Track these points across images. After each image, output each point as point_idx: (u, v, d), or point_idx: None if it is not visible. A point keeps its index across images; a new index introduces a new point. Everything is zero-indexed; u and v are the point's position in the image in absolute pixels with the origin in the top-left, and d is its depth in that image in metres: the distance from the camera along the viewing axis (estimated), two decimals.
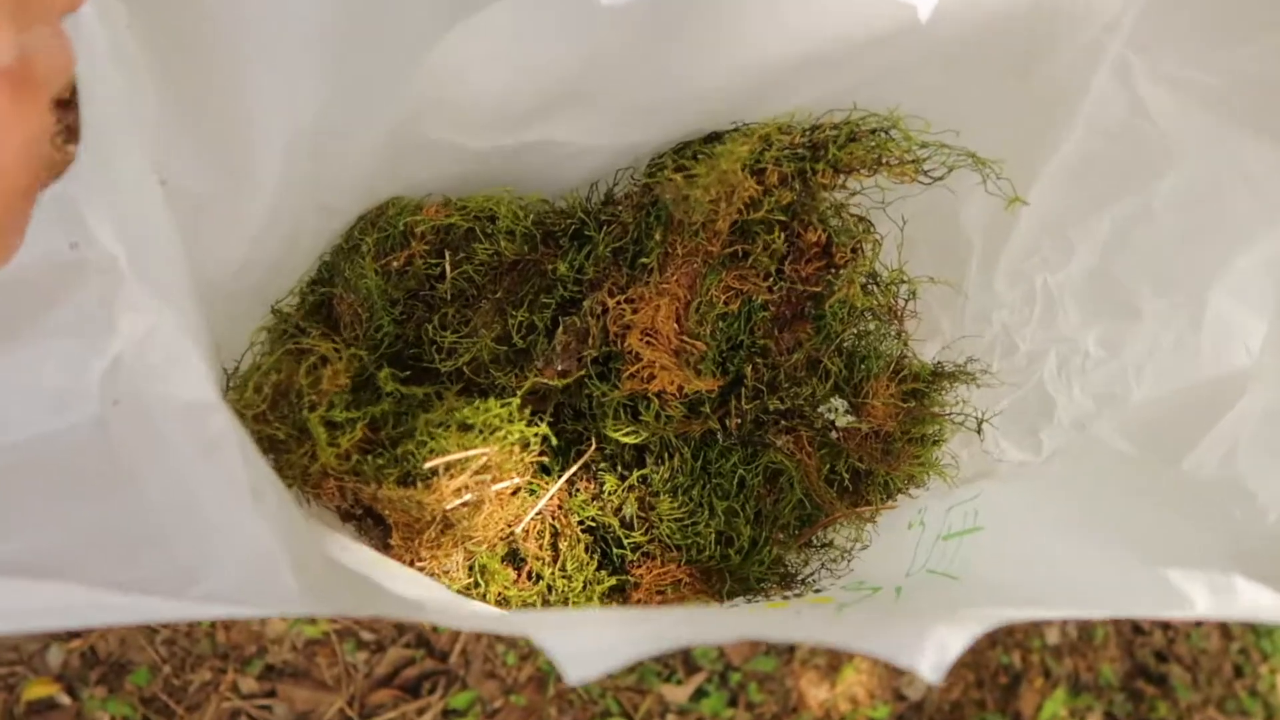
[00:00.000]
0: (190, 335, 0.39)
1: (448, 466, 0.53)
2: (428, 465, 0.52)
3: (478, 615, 0.44)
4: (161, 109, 0.44)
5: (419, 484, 0.53)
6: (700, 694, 1.30)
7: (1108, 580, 0.41)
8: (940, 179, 0.56)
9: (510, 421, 0.55)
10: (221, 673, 1.21)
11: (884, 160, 0.56)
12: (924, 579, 0.54)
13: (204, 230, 0.50)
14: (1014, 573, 0.47)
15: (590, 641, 0.31)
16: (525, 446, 0.55)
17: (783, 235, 0.59)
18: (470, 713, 1.22)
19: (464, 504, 0.54)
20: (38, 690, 1.13)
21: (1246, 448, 0.42)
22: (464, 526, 0.56)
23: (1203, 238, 0.55)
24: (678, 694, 1.29)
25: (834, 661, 1.34)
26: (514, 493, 0.59)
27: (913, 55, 0.51)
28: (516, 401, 0.55)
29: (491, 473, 0.54)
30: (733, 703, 1.31)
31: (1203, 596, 0.36)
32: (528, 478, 0.57)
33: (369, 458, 0.56)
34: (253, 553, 0.35)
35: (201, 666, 1.20)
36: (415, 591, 0.47)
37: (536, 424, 0.59)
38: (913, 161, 0.56)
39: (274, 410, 0.55)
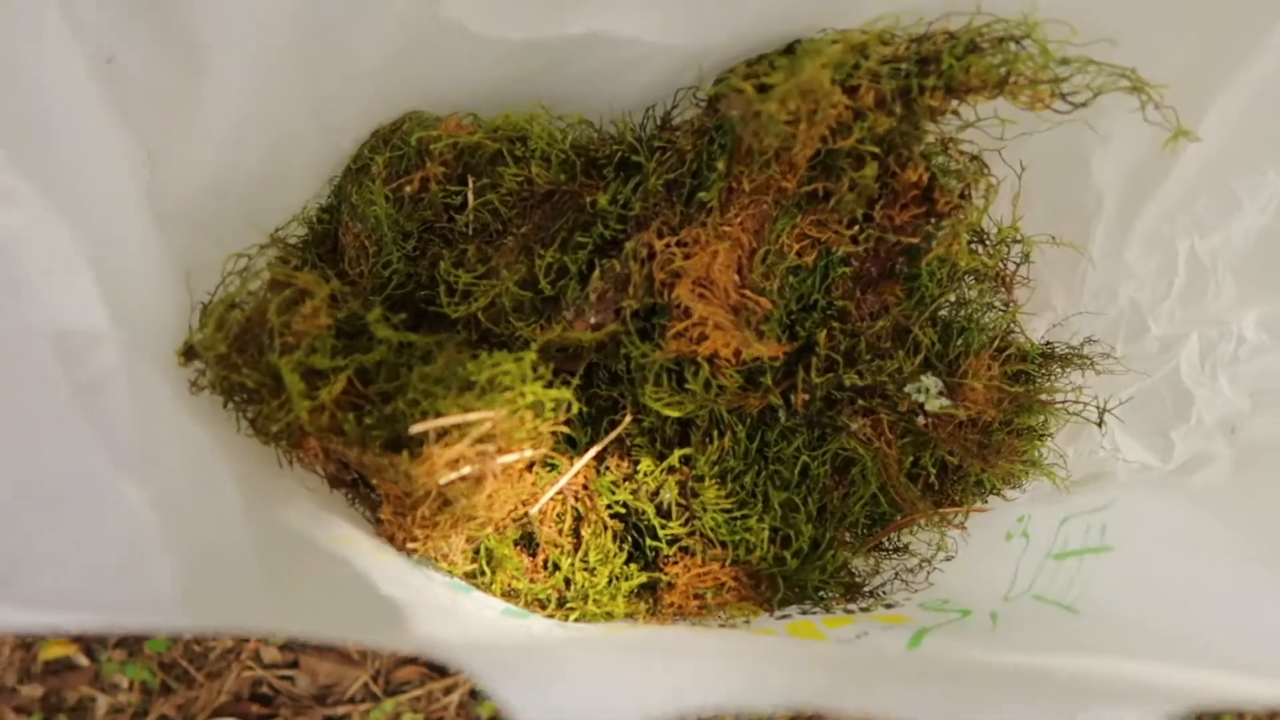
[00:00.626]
0: (83, 248, 0.30)
1: (441, 433, 0.43)
2: (414, 429, 0.42)
3: (465, 644, 0.34)
4: None
5: (406, 452, 0.43)
6: None
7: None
8: (1081, 106, 0.44)
9: (523, 381, 0.44)
10: (244, 641, 1.15)
11: (1011, 79, 0.44)
12: (1029, 607, 0.43)
13: (163, 126, 0.41)
14: (1160, 613, 0.36)
15: (571, 706, 0.21)
16: (541, 412, 0.45)
17: (876, 171, 0.48)
18: None
19: (461, 478, 0.44)
20: (55, 650, 1.09)
21: None
22: (464, 504, 0.46)
23: None
24: None
25: None
26: (528, 467, 0.50)
27: None
28: (531, 356, 0.45)
29: (497, 442, 0.44)
30: None
31: None
32: (544, 450, 0.47)
33: (354, 416, 0.46)
34: (113, 537, 0.26)
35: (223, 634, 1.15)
36: (399, 593, 0.38)
37: (559, 386, 0.49)
38: (1049, 82, 0.44)
39: (241, 353, 0.46)
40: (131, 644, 1.14)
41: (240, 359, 0.46)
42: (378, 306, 0.47)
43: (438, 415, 0.43)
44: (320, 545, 0.38)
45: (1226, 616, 0.32)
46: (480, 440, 0.44)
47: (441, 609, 0.38)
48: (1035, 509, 0.52)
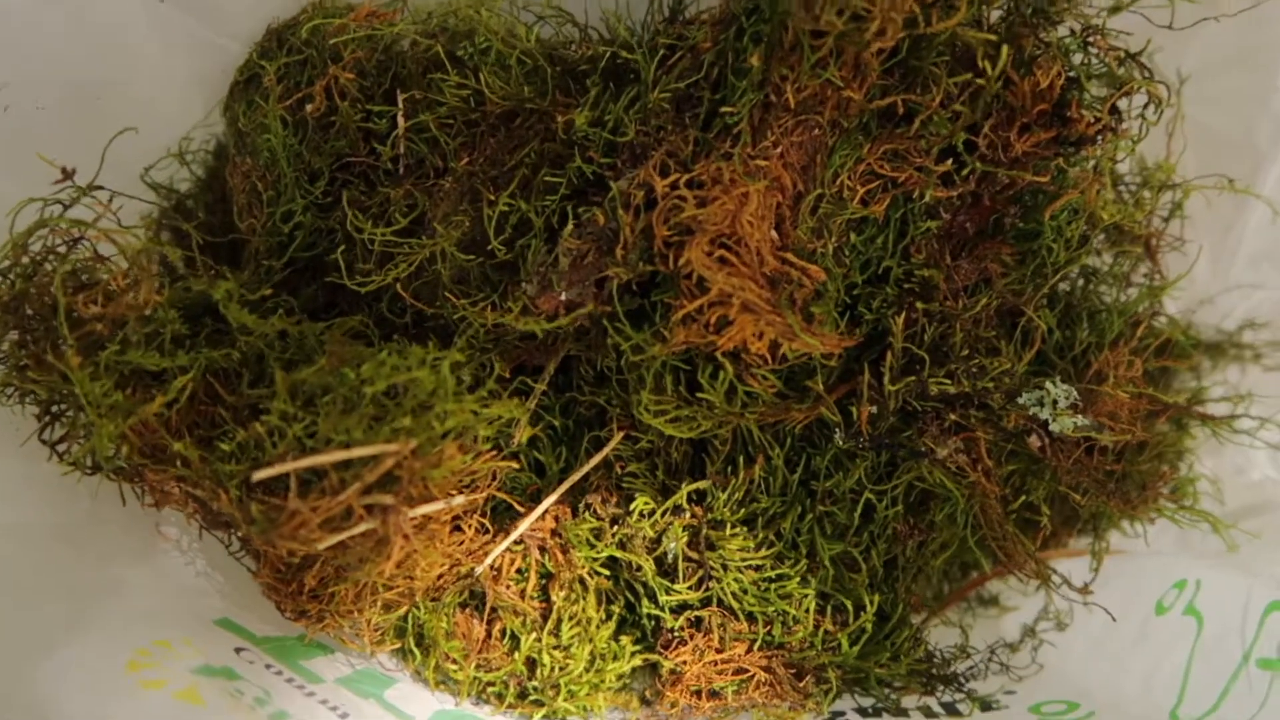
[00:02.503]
0: None
1: (311, 475, 0.27)
2: (259, 475, 0.27)
3: None
4: None
5: (256, 506, 0.28)
6: None
7: None
8: None
9: (448, 392, 0.29)
10: None
11: None
12: None
13: None
14: None
15: None
16: (473, 441, 0.29)
17: (971, 78, 0.32)
18: None
19: (351, 539, 0.29)
20: None
21: None
22: (365, 571, 0.31)
23: None
24: None
25: None
26: (469, 514, 0.34)
27: None
28: (455, 355, 0.29)
29: (404, 488, 0.28)
30: None
31: None
32: (483, 494, 0.32)
33: (196, 442, 0.31)
34: None
35: None
36: None
37: (507, 399, 0.33)
38: None
39: (31, 344, 0.30)
40: None
41: (30, 354, 0.31)
42: (230, 281, 0.31)
43: (307, 450, 0.28)
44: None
45: None
46: (377, 485, 0.28)
47: None
48: (1203, 571, 0.36)
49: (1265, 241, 0.46)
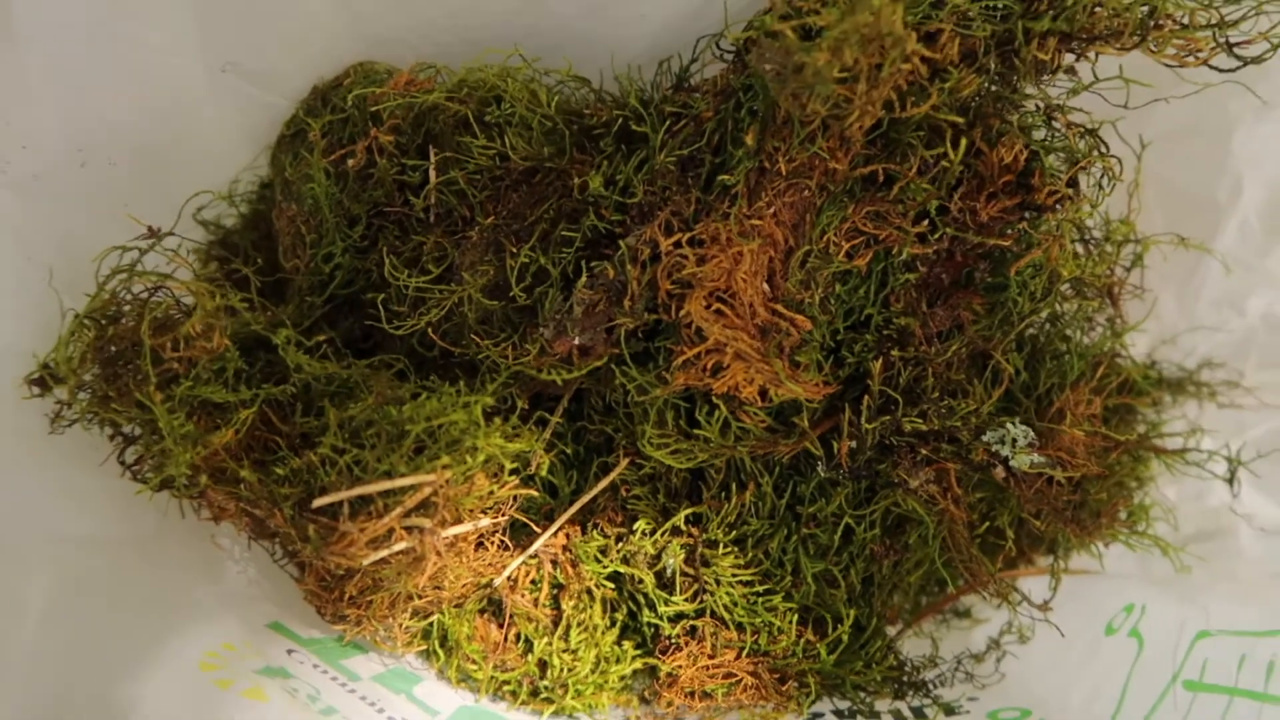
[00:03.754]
0: None
1: (361, 502, 0.32)
2: (318, 503, 0.31)
3: None
4: None
5: (313, 529, 0.32)
6: None
7: None
8: (1252, 63, 0.32)
9: (475, 432, 0.33)
10: None
11: (1157, 23, 0.31)
12: None
13: None
14: None
15: None
16: (500, 472, 0.34)
17: (958, 148, 0.36)
18: None
19: (392, 556, 0.33)
20: None
21: None
22: (402, 583, 0.35)
23: None
24: None
25: None
26: (492, 533, 0.38)
27: None
28: (486, 400, 0.33)
29: (439, 512, 0.33)
30: None
31: None
32: (505, 517, 0.36)
33: (255, 465, 0.35)
34: None
35: None
36: None
37: (529, 431, 0.38)
38: (1211, 26, 0.31)
39: (112, 380, 0.35)
40: None
41: (113, 389, 0.35)
42: (287, 325, 0.36)
43: (358, 480, 0.32)
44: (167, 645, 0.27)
45: None
46: (417, 510, 0.33)
47: None
48: (1150, 596, 0.40)
49: (1225, 287, 0.50)
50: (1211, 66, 0.33)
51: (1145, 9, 0.31)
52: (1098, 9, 0.31)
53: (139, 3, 0.33)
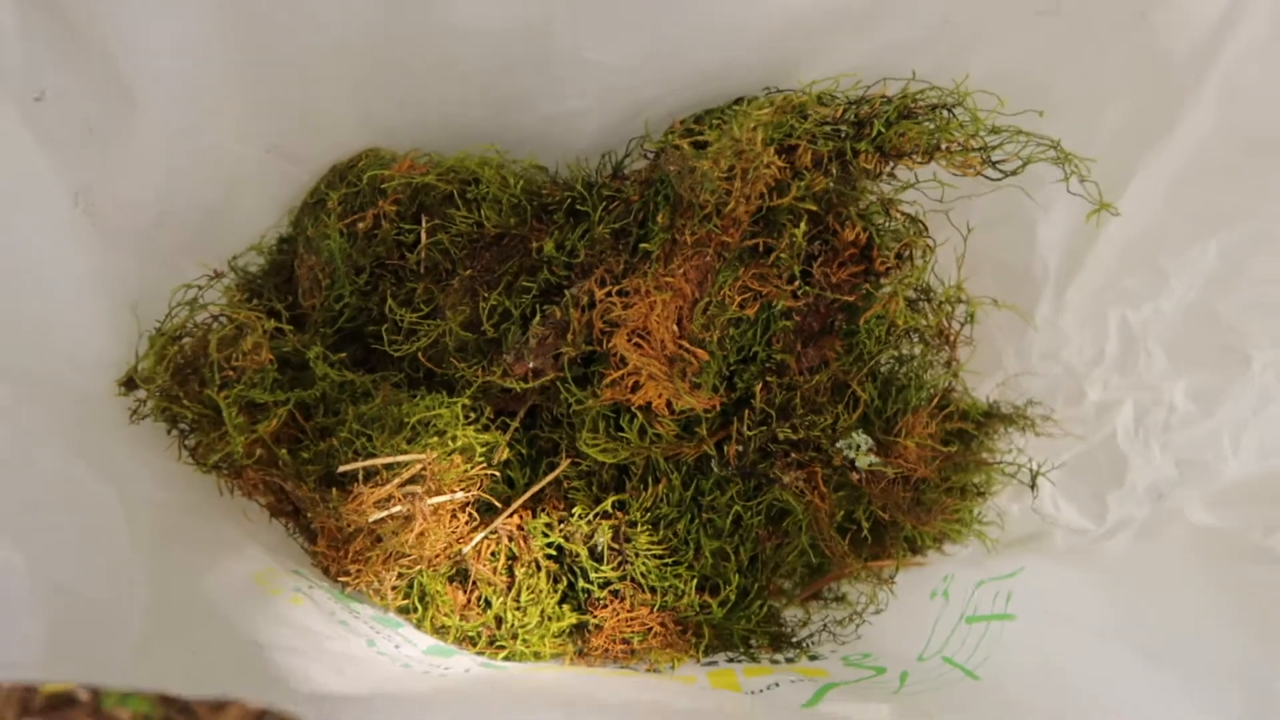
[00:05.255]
0: None
1: (371, 472, 0.44)
2: (343, 469, 0.43)
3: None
4: (25, 13, 0.36)
5: (336, 489, 0.44)
6: None
7: (1161, 702, 0.30)
8: (1012, 174, 0.45)
9: (456, 425, 0.45)
10: None
11: (942, 146, 0.45)
12: (937, 668, 0.43)
13: (98, 157, 0.42)
14: (1041, 682, 0.36)
15: None
16: (473, 456, 0.46)
17: (811, 229, 0.49)
18: None
19: (390, 517, 0.45)
20: (56, 684, 1.08)
21: None
22: (394, 541, 0.47)
23: None
24: None
25: None
26: (461, 508, 0.50)
27: None
28: (464, 400, 0.45)
29: (427, 483, 0.45)
30: None
31: None
32: (475, 493, 0.48)
33: (289, 450, 0.47)
34: None
35: None
36: (298, 643, 0.38)
37: (495, 431, 0.50)
38: (979, 149, 0.45)
39: (181, 384, 0.46)
40: None
41: (181, 390, 0.47)
42: (318, 344, 0.48)
43: (370, 455, 0.44)
44: (219, 595, 0.38)
45: (1102, 698, 0.32)
46: (410, 481, 0.45)
47: (345, 658, 0.39)
48: (960, 569, 0.52)
49: (1043, 344, 0.63)
50: (985, 176, 0.46)
51: (934, 136, 0.45)
52: (902, 135, 0.45)
53: (219, 105, 0.46)
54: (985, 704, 0.36)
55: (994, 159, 0.45)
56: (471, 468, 0.46)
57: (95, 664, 0.28)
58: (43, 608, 0.27)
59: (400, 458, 0.44)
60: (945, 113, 0.45)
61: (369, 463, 0.43)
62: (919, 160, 0.46)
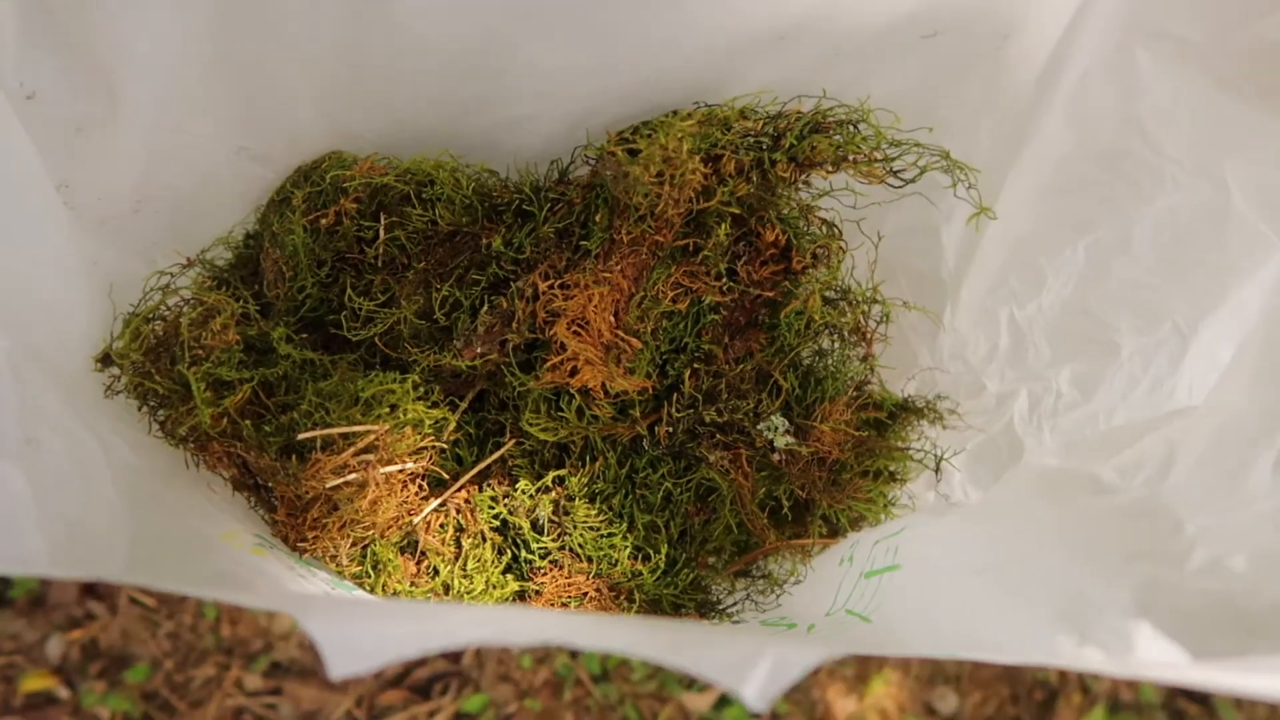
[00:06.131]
0: None
1: (329, 441, 0.48)
2: (302, 437, 0.47)
3: (270, 595, 0.39)
4: (23, 15, 0.40)
5: (295, 457, 0.48)
6: (723, 703, 1.23)
7: (1009, 627, 0.36)
8: (912, 181, 0.51)
9: (406, 399, 0.50)
10: (225, 669, 1.15)
11: (849, 157, 0.51)
12: (841, 619, 0.49)
13: (83, 153, 0.46)
14: (918, 616, 0.42)
15: (365, 636, 0.26)
16: (422, 429, 0.50)
17: (734, 231, 0.54)
18: (483, 716, 1.15)
19: (345, 483, 0.49)
20: (35, 683, 1.09)
21: (1182, 470, 0.35)
22: (349, 509, 0.51)
23: (1189, 269, 0.49)
24: (699, 702, 1.21)
25: (862, 673, 1.27)
26: (414, 479, 0.55)
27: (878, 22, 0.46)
28: (414, 378, 0.50)
29: (379, 453, 0.49)
30: (756, 712, 1.24)
31: (1098, 652, 0.31)
32: (424, 463, 0.52)
33: (253, 423, 0.51)
34: None
35: (205, 662, 1.15)
36: (241, 571, 0.42)
37: (444, 408, 0.54)
38: (881, 160, 0.50)
39: (154, 361, 0.51)
40: (112, 674, 1.15)
41: (153, 367, 0.51)
42: (282, 326, 0.52)
43: (327, 426, 0.48)
44: (191, 540, 0.42)
45: (970, 619, 0.37)
46: (364, 450, 0.49)
47: (306, 595, 0.43)
48: (864, 537, 0.58)
49: (951, 343, 0.69)
50: (888, 184, 0.52)
51: (840, 149, 0.50)
52: (813, 147, 0.51)
53: (197, 106, 0.50)
54: (873, 639, 0.41)
55: (895, 169, 0.51)
56: (421, 439, 0.51)
57: (89, 567, 0.32)
58: (45, 521, 0.31)
59: (355, 428, 0.48)
60: (851, 128, 0.50)
61: (327, 432, 0.47)
62: (829, 170, 0.51)
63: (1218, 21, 0.43)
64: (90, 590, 1.14)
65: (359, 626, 0.26)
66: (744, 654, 0.25)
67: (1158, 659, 0.29)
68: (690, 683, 1.23)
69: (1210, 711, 1.33)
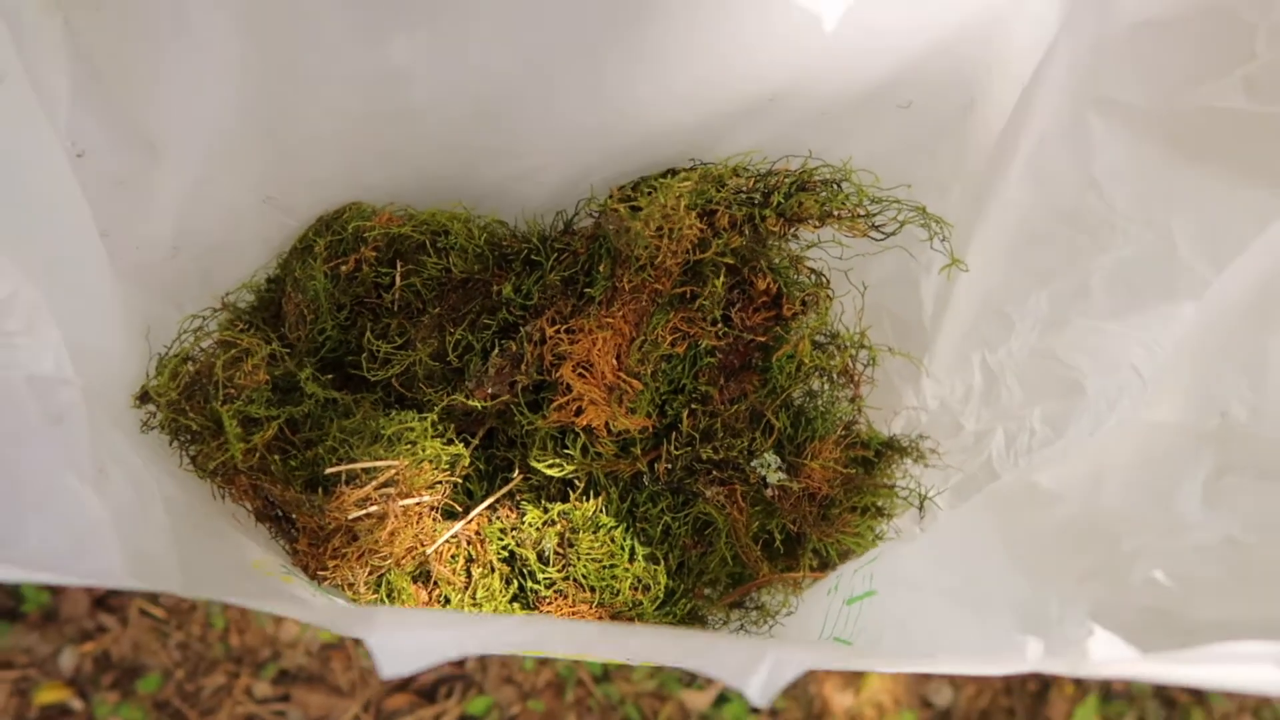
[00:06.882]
0: (51, 309, 0.39)
1: (352, 475, 0.52)
2: (329, 471, 0.51)
3: (325, 609, 0.42)
4: (76, 81, 0.44)
5: (321, 490, 0.52)
6: (722, 700, 1.25)
7: (975, 640, 0.39)
8: (892, 234, 0.55)
9: (425, 437, 0.53)
10: (235, 677, 1.18)
11: (833, 213, 0.55)
12: (826, 645, 0.52)
13: (124, 205, 0.50)
14: (893, 636, 0.45)
15: (414, 641, 0.29)
16: (439, 465, 0.54)
17: (729, 280, 0.58)
18: (487, 718, 1.18)
19: (367, 515, 0.53)
20: (49, 695, 1.11)
21: (1113, 489, 0.39)
22: (368, 540, 0.55)
23: (1140, 314, 0.54)
24: (699, 700, 1.23)
25: None
26: (428, 511, 0.58)
27: (850, 94, 0.51)
28: (432, 417, 0.54)
29: (399, 486, 0.53)
30: (755, 709, 1.26)
31: (1050, 656, 0.34)
32: (441, 497, 0.56)
33: (280, 458, 0.55)
34: (76, 523, 0.34)
35: (215, 671, 1.17)
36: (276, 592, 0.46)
37: (458, 445, 0.58)
38: (863, 216, 0.55)
39: (189, 399, 0.54)
40: (125, 685, 1.17)
41: (188, 405, 0.54)
42: (309, 367, 0.56)
43: (351, 461, 0.52)
44: (226, 564, 0.45)
45: (937, 634, 0.41)
46: (384, 484, 0.53)
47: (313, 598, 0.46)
48: (847, 567, 0.61)
49: (933, 386, 0.73)
50: (871, 237, 0.56)
51: (825, 205, 0.55)
52: (800, 204, 0.55)
53: (229, 160, 0.54)
54: (858, 659, 0.44)
55: (876, 223, 0.55)
56: (438, 473, 0.55)
57: (156, 581, 0.35)
58: (119, 539, 0.35)
59: (377, 463, 0.52)
60: (834, 186, 0.55)
61: (352, 466, 0.51)
62: (815, 224, 0.55)
63: (1161, 89, 0.48)
64: (101, 603, 1.17)
65: (409, 633, 0.30)
66: (747, 656, 0.29)
67: (1112, 657, 0.32)
68: (690, 681, 1.25)
69: (1200, 698, 1.35)
